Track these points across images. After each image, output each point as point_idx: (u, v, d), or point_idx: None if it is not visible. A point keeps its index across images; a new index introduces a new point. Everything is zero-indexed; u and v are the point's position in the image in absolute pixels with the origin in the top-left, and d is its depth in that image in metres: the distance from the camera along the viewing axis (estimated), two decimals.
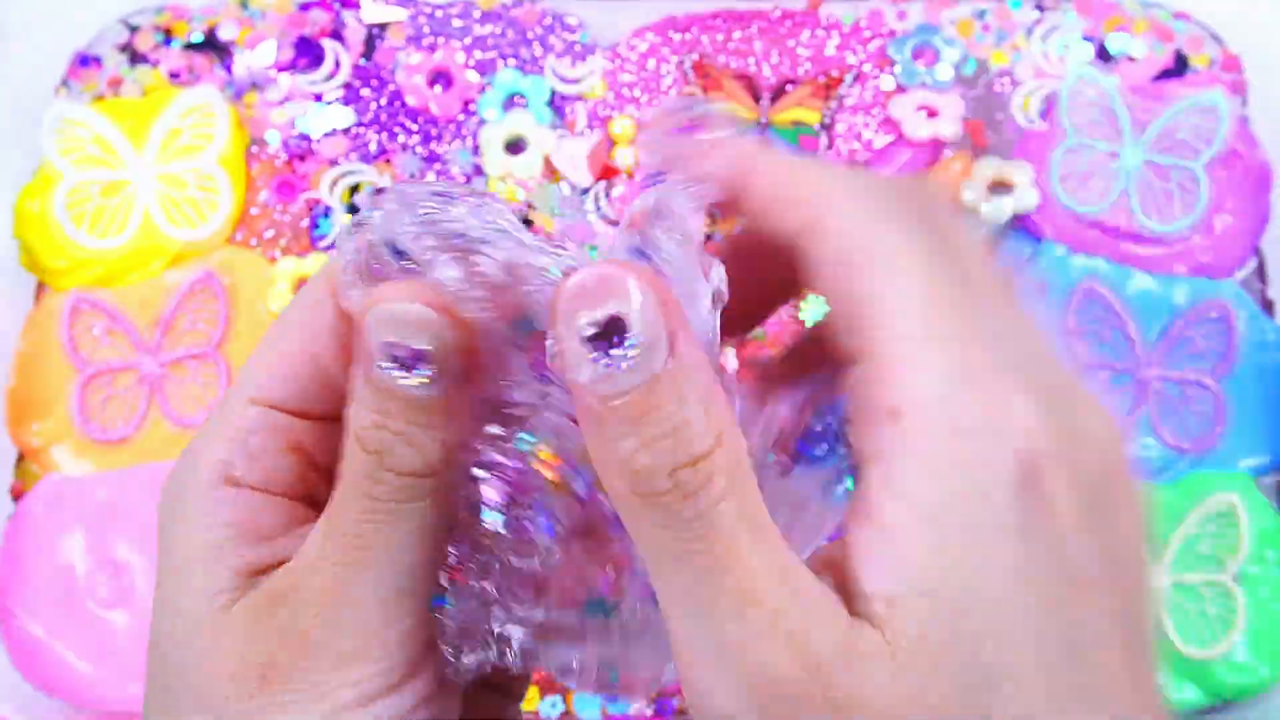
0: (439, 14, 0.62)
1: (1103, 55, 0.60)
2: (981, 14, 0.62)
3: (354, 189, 0.59)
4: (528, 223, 0.23)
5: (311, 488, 0.24)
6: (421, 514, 0.22)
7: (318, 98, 0.60)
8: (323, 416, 0.24)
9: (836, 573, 0.20)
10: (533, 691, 0.51)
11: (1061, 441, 0.20)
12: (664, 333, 0.19)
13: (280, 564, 0.23)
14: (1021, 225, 0.58)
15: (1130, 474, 0.21)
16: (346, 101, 0.60)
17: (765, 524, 0.20)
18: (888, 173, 0.58)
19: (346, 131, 0.60)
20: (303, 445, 0.24)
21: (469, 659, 0.24)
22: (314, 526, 0.23)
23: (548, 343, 0.20)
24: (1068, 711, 0.20)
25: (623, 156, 0.59)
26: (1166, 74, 0.60)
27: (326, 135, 0.60)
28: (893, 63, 0.60)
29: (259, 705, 0.22)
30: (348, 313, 0.23)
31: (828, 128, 0.60)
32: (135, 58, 0.61)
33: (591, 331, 0.19)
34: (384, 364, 0.20)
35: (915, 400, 0.20)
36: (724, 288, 0.22)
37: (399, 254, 0.22)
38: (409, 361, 0.20)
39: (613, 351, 0.19)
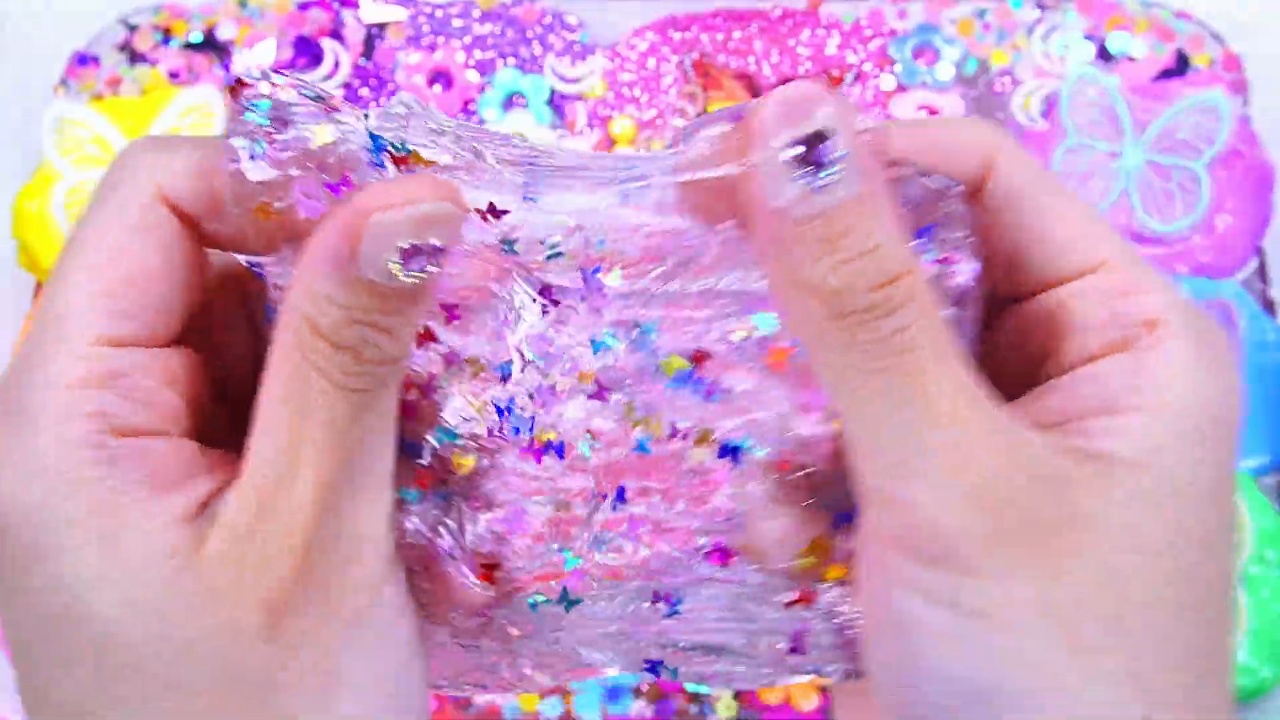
0: (439, 13, 0.62)
1: (1103, 55, 0.60)
2: (982, 13, 0.61)
3: None
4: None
5: (190, 420, 0.23)
6: (392, 398, 0.22)
7: None
8: (168, 342, 0.23)
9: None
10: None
11: (1235, 395, 0.23)
12: (862, 156, 0.19)
13: (203, 505, 0.21)
14: None
15: None
16: (346, 101, 0.60)
17: (960, 352, 0.21)
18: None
19: None
20: (178, 377, 0.22)
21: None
22: (249, 447, 0.21)
23: (750, 164, 0.20)
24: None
25: None
26: (1167, 73, 0.60)
27: None
28: (893, 62, 0.60)
29: (281, 643, 0.20)
30: (192, 223, 0.22)
31: None
32: (134, 57, 0.61)
33: (794, 152, 0.19)
34: (393, 261, 0.20)
35: (1171, 319, 0.22)
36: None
37: (379, 151, 0.22)
38: (418, 257, 0.20)
39: (817, 170, 0.19)
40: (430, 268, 0.20)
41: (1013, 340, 0.24)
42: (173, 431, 0.22)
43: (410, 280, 0.20)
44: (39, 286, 0.58)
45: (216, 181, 0.22)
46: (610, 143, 0.59)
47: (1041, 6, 0.62)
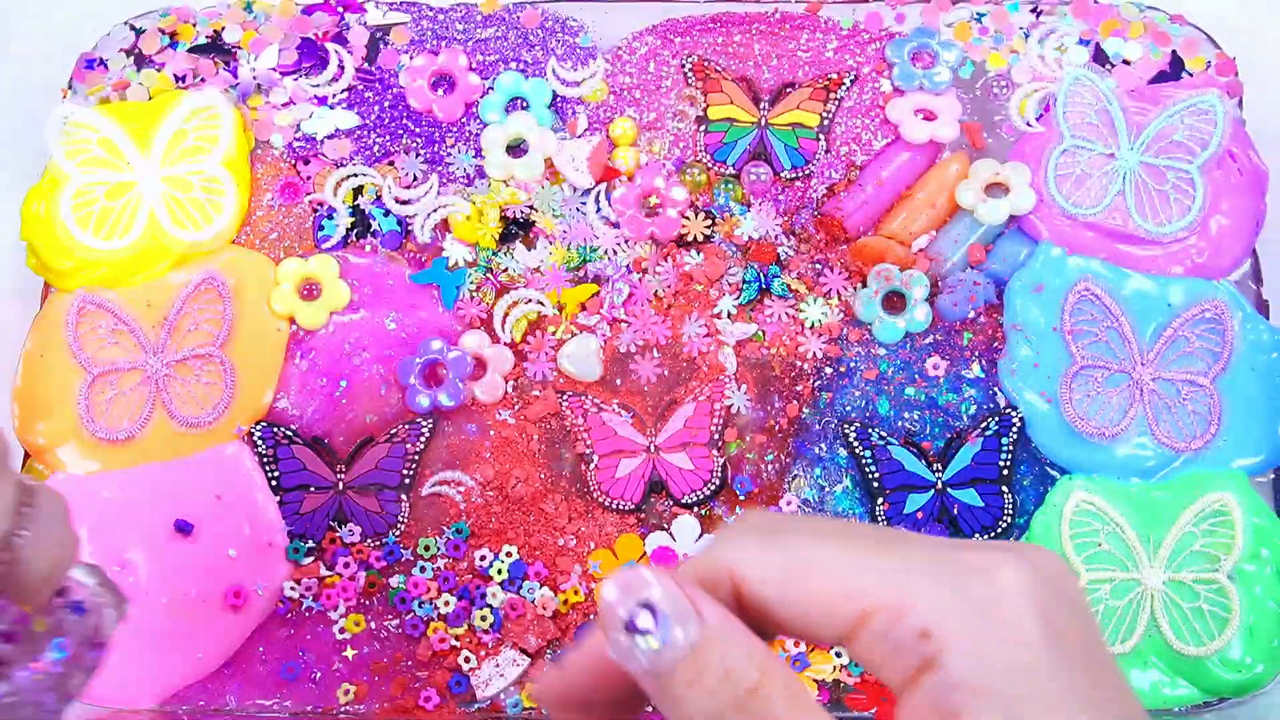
0: (441, 18, 0.62)
1: (1099, 58, 0.61)
2: (979, 17, 0.62)
3: (357, 191, 0.59)
4: None
5: None
6: None
7: (321, 101, 0.61)
8: None
9: None
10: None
11: (1043, 574, 0.24)
12: (689, 607, 0.24)
13: None
14: (1018, 226, 0.58)
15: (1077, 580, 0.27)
16: (350, 104, 0.61)
17: (821, 713, 0.24)
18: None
19: (350, 134, 0.60)
20: None
21: None
22: None
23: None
24: None
25: (623, 158, 0.59)
26: (1162, 77, 0.60)
27: (330, 137, 0.60)
28: (891, 65, 0.61)
29: None
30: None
31: (826, 130, 0.60)
32: (141, 61, 0.61)
33: (627, 622, 0.23)
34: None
35: (932, 612, 0.24)
36: None
37: None
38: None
39: (647, 638, 0.23)
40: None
41: None
42: None
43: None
44: (46, 288, 0.58)
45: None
46: (611, 145, 0.60)
47: (1037, 11, 0.62)
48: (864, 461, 0.54)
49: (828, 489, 0.55)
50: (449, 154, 0.60)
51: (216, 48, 0.62)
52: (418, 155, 0.60)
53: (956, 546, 0.25)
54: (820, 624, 0.25)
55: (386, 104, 0.61)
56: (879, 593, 0.24)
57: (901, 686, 0.24)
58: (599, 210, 0.59)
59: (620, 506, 0.54)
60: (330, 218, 0.59)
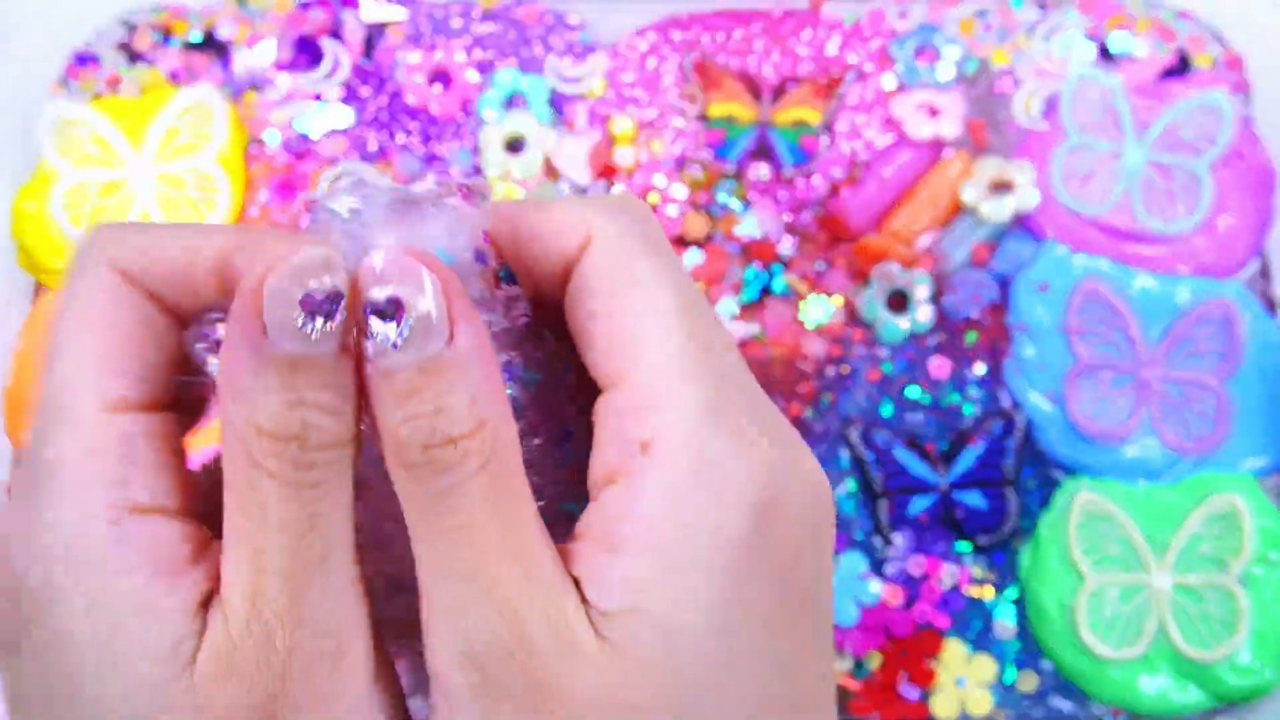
0: (439, 13, 0.62)
1: (1105, 55, 0.60)
2: (983, 13, 0.61)
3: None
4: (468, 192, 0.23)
5: (189, 491, 0.23)
6: (346, 486, 0.22)
7: (317, 97, 0.60)
8: (163, 409, 0.23)
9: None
10: None
11: (793, 481, 0.22)
12: (444, 321, 0.21)
13: (204, 597, 0.22)
14: (1023, 225, 0.57)
15: (833, 519, 0.24)
16: (346, 101, 0.60)
17: (517, 507, 0.22)
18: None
19: (346, 131, 0.60)
20: (177, 445, 0.23)
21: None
22: (222, 562, 0.22)
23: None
24: None
25: (623, 155, 0.59)
26: (1169, 73, 0.60)
27: (326, 135, 0.59)
28: (894, 62, 0.60)
29: None
30: (159, 301, 0.23)
31: (829, 127, 0.59)
32: (134, 57, 0.61)
33: (379, 307, 0.20)
34: (299, 320, 0.20)
35: (668, 437, 0.21)
36: (489, 259, 0.23)
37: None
38: (321, 307, 0.20)
39: (388, 328, 0.20)
40: (337, 315, 0.20)
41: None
42: (179, 507, 0.22)
43: (323, 339, 0.20)
44: (39, 287, 0.57)
45: (167, 258, 0.23)
46: (611, 142, 0.59)
47: (1043, 6, 0.61)
48: (866, 463, 0.54)
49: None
50: (446, 151, 0.59)
51: (210, 44, 0.61)
52: (414, 152, 0.59)
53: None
54: (596, 350, 0.23)
55: (383, 101, 0.60)
56: (649, 383, 0.22)
57: (602, 482, 0.22)
58: None
59: None
60: None
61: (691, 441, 0.21)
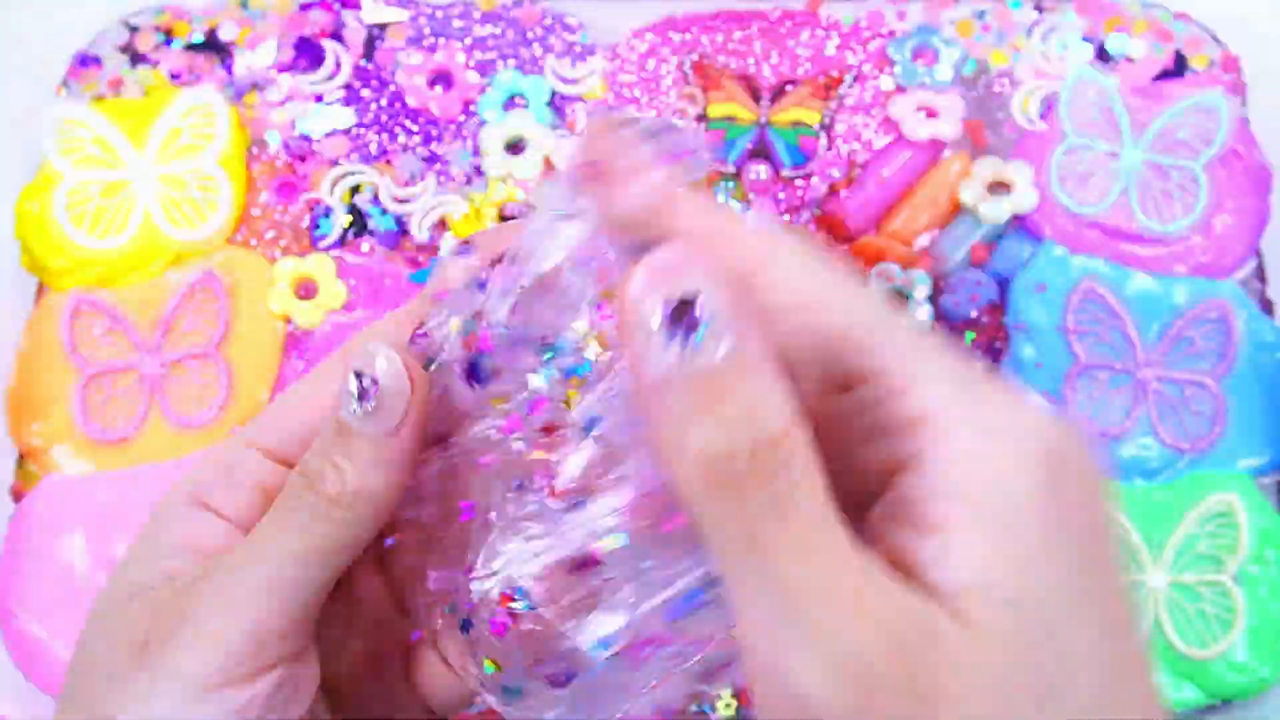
0: (439, 15, 0.62)
1: (1102, 56, 0.60)
2: (981, 14, 0.62)
3: (354, 189, 0.59)
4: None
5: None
6: (327, 537, 0.25)
7: (318, 98, 0.60)
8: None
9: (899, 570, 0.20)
10: None
11: (1058, 430, 0.21)
12: (734, 315, 0.19)
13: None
14: (1021, 225, 0.58)
15: (1106, 473, 0.22)
16: (347, 102, 0.60)
17: (835, 509, 0.20)
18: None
19: (347, 132, 0.60)
20: (268, 486, 0.27)
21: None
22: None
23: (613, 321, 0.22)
24: (1120, 697, 0.20)
25: None
26: (1166, 74, 0.60)
27: (327, 136, 0.60)
28: (892, 63, 0.60)
29: (134, 673, 0.24)
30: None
31: (827, 128, 0.60)
32: (136, 58, 0.61)
33: (663, 316, 0.19)
34: (349, 391, 0.24)
35: (936, 409, 0.20)
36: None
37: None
38: (366, 392, 0.24)
39: (688, 335, 0.18)
40: (367, 404, 0.24)
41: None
42: (229, 517, 0.27)
43: (356, 414, 0.24)
44: (40, 287, 0.58)
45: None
46: None
47: (1040, 8, 0.62)
48: None
49: None
50: (447, 152, 0.59)
51: (212, 45, 0.61)
52: (415, 153, 0.59)
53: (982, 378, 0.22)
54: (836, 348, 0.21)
55: (384, 102, 0.60)
56: (885, 356, 0.21)
57: (885, 473, 0.21)
58: None
59: None
60: (327, 216, 0.58)
61: (960, 410, 0.20)
